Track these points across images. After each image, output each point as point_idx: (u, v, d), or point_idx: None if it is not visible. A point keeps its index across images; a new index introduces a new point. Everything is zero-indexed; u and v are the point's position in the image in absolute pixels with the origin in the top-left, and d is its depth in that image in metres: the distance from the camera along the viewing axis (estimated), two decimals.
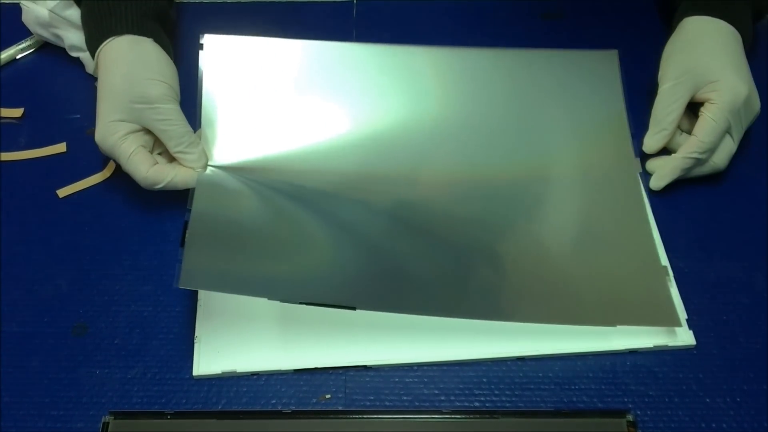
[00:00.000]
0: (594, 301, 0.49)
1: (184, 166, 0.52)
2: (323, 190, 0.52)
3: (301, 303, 0.46)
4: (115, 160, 0.53)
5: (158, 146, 0.53)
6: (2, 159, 0.58)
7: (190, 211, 0.49)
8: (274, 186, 0.52)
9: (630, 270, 0.51)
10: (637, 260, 0.51)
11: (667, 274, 0.51)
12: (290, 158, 0.54)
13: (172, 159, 0.53)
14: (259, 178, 0.52)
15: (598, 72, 0.59)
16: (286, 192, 0.52)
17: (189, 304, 0.50)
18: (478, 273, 0.50)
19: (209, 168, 0.53)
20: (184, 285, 0.46)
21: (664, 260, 0.52)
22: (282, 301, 0.46)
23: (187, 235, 0.48)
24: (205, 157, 0.53)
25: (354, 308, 0.46)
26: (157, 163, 0.52)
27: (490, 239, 0.52)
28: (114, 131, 0.51)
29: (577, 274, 0.50)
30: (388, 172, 0.54)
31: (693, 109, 0.56)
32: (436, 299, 0.48)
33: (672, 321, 0.49)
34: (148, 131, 0.52)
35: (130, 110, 0.51)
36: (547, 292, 0.49)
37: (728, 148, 0.54)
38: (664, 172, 0.55)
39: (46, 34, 0.63)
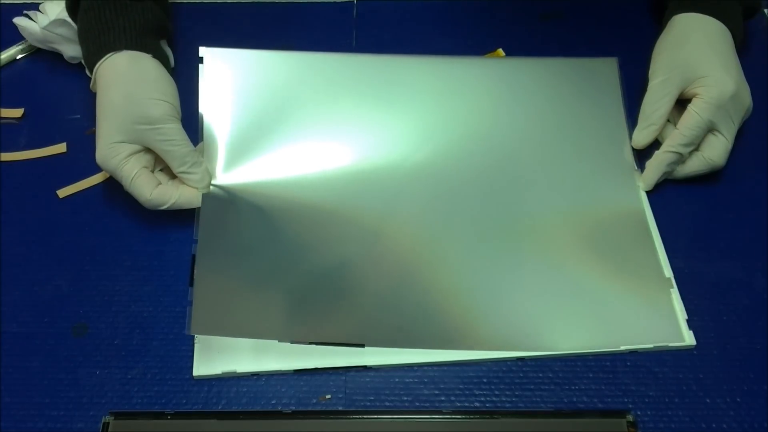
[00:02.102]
0: (599, 324, 0.49)
1: (187, 185, 0.52)
2: (323, 219, 0.52)
3: (311, 343, 0.47)
4: (116, 180, 0.52)
5: (159, 163, 0.53)
6: (2, 159, 0.58)
7: (196, 242, 0.50)
8: (277, 212, 0.52)
9: (634, 285, 0.51)
10: (641, 273, 0.51)
11: (672, 287, 0.51)
12: (290, 181, 0.54)
13: (173, 175, 0.53)
14: (262, 200, 0.53)
15: (597, 80, 0.59)
16: (289, 218, 0.52)
17: (189, 305, 0.50)
18: (476, 303, 0.50)
19: (212, 187, 0.53)
20: (195, 331, 0.47)
21: (668, 270, 0.52)
22: (292, 342, 0.47)
23: (195, 277, 0.48)
24: (209, 176, 0.53)
25: (362, 345, 0.47)
26: (160, 183, 0.52)
27: (486, 264, 0.51)
28: (115, 153, 0.50)
29: (580, 294, 0.50)
30: (378, 201, 0.54)
31: (685, 105, 0.56)
32: (442, 333, 0.48)
33: (677, 338, 0.49)
34: (149, 150, 0.52)
35: (132, 131, 0.51)
36: (551, 318, 0.49)
37: (721, 144, 0.54)
38: (648, 169, 0.55)
39: (44, 47, 0.63)
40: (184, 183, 0.52)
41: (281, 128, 0.55)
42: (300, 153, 0.55)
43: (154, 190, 0.51)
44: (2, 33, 0.65)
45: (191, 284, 0.49)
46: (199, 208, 0.52)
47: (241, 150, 0.54)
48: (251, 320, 0.48)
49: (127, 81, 0.52)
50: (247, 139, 0.54)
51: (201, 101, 0.55)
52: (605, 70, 0.60)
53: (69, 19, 0.59)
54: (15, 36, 0.64)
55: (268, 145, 0.55)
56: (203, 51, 0.56)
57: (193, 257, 0.50)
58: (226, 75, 0.55)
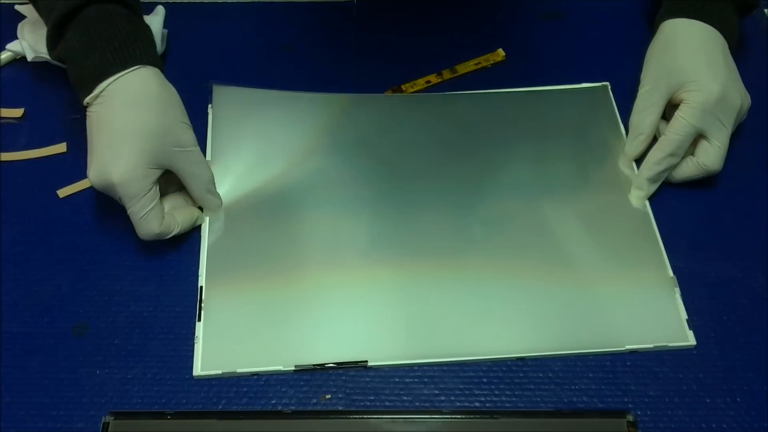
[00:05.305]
0: (600, 323, 0.49)
1: (193, 208, 0.53)
2: (324, 243, 0.53)
3: (314, 366, 0.47)
4: (118, 200, 0.50)
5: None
6: (2, 159, 0.58)
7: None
8: (278, 234, 0.53)
9: (635, 284, 0.51)
10: (643, 273, 0.52)
11: (676, 286, 0.51)
12: (292, 208, 0.54)
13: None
14: (263, 233, 0.53)
15: (593, 106, 0.60)
16: (290, 242, 0.53)
17: (189, 305, 0.50)
18: (477, 306, 0.50)
19: (219, 223, 0.54)
20: (204, 372, 0.47)
21: (671, 270, 0.52)
22: (296, 367, 0.47)
23: (202, 317, 0.49)
24: (222, 201, 0.54)
25: (366, 362, 0.48)
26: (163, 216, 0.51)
27: (488, 266, 0.52)
28: (144, 176, 0.49)
29: (580, 293, 0.50)
30: (380, 225, 0.54)
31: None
32: (446, 342, 0.49)
33: (677, 337, 0.49)
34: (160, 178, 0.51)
35: (166, 154, 0.50)
36: (552, 318, 0.49)
37: (714, 149, 0.54)
38: (639, 181, 0.55)
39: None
40: (184, 209, 0.53)
41: (283, 169, 0.56)
42: (301, 185, 0.56)
43: (161, 225, 0.50)
44: (2, 33, 0.65)
45: (199, 319, 0.49)
46: (201, 236, 0.53)
47: (243, 182, 0.55)
48: (256, 352, 0.48)
49: (162, 102, 0.51)
50: (250, 178, 0.56)
51: (211, 135, 0.58)
52: (599, 96, 0.61)
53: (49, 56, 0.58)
54: (15, 36, 0.64)
55: (270, 177, 0.56)
56: (215, 89, 0.60)
57: (200, 288, 0.50)
58: (232, 111, 0.59)
